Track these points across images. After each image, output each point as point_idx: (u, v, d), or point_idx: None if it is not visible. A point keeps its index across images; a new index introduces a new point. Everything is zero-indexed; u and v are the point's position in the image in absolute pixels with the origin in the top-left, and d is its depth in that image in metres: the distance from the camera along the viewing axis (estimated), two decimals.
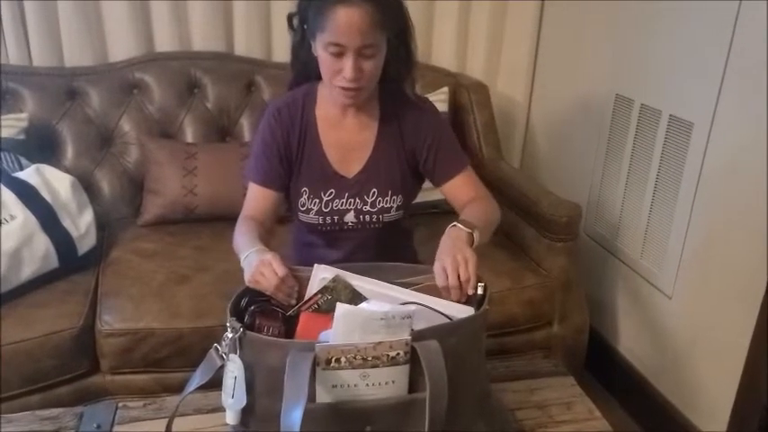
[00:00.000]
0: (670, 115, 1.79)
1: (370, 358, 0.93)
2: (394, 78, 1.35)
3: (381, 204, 1.38)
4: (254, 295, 1.08)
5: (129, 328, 1.61)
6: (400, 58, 1.31)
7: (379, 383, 0.95)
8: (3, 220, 1.64)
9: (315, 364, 0.91)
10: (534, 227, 1.96)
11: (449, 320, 1.04)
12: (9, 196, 1.67)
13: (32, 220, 1.68)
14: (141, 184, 2.10)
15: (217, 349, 1.00)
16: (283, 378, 0.89)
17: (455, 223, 1.19)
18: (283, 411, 0.87)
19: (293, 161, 1.36)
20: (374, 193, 1.37)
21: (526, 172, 2.56)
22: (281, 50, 2.28)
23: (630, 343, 2.08)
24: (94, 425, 1.17)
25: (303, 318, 1.07)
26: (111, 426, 1.18)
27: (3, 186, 1.68)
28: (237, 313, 1.05)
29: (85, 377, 1.64)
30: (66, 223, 1.75)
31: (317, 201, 1.37)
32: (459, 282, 1.07)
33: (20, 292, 1.65)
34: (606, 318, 2.16)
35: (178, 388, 1.11)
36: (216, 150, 2.14)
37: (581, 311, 1.96)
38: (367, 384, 0.95)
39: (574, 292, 1.93)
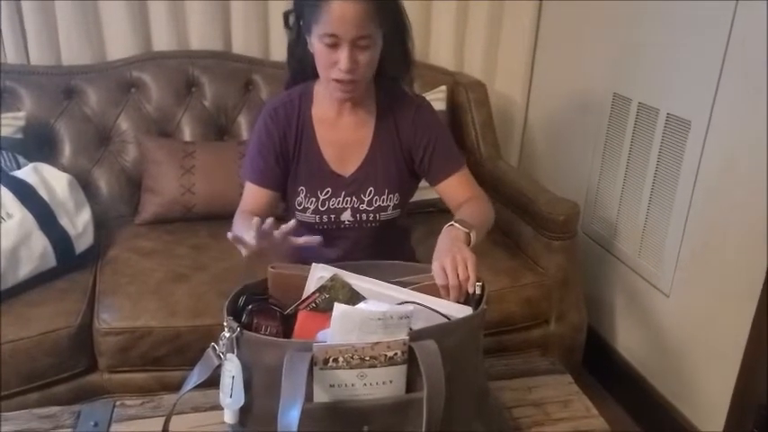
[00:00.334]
0: (667, 114, 1.79)
1: (367, 358, 0.93)
2: (391, 77, 1.35)
3: (378, 203, 1.38)
4: (252, 294, 1.08)
5: (126, 327, 1.61)
6: (398, 57, 1.31)
7: (377, 383, 0.95)
8: (0, 219, 1.63)
9: (312, 363, 0.91)
10: (532, 225, 1.96)
11: (447, 320, 1.05)
12: (6, 195, 1.67)
13: (30, 218, 1.68)
14: (139, 183, 2.10)
15: (214, 348, 1.00)
16: (281, 377, 0.89)
17: (452, 223, 1.20)
18: (280, 411, 0.87)
19: (290, 160, 1.36)
20: (371, 191, 1.37)
21: (524, 170, 2.57)
22: (279, 49, 2.28)
23: (628, 341, 2.09)
24: (92, 423, 1.17)
25: (301, 317, 1.07)
26: (109, 424, 1.18)
27: (0, 185, 1.68)
28: (235, 312, 1.04)
29: (83, 375, 1.64)
30: (64, 222, 1.75)
31: (314, 199, 1.37)
32: (459, 281, 1.07)
33: (17, 291, 1.65)
34: (604, 316, 2.16)
35: (176, 386, 1.12)
36: (214, 149, 2.13)
37: (578, 310, 1.97)
38: (364, 384, 0.94)
39: (571, 290, 1.93)
